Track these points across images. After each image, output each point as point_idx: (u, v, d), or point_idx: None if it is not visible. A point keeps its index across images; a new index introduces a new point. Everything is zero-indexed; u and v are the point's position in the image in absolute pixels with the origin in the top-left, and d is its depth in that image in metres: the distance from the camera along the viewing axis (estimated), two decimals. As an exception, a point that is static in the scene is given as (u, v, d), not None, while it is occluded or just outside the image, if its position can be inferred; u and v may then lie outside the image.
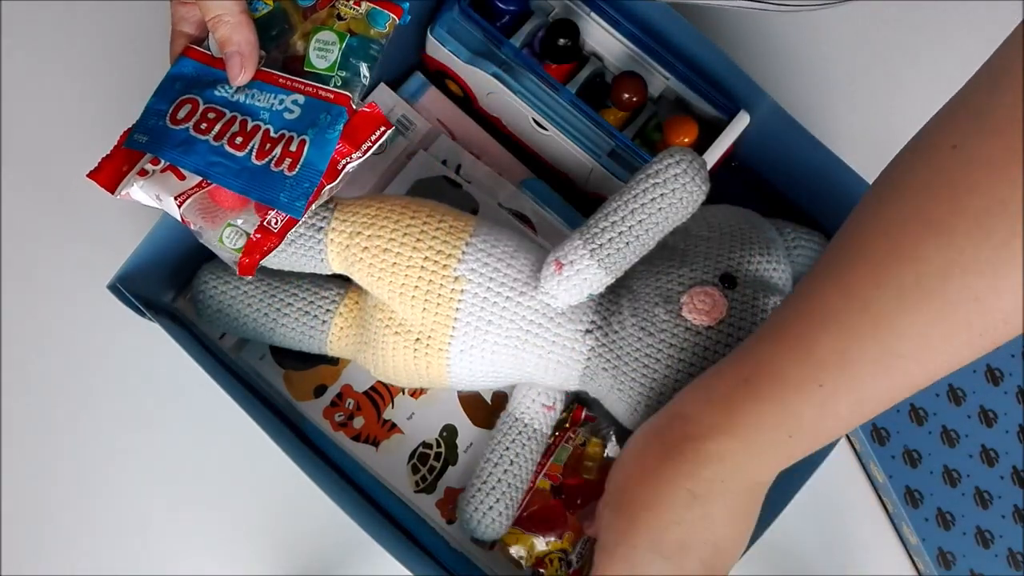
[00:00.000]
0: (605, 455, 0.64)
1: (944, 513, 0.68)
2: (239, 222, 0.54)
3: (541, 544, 0.62)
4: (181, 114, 0.54)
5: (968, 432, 0.69)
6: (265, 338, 0.62)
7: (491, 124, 0.69)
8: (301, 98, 0.54)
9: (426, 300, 0.56)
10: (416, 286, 0.56)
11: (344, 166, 0.54)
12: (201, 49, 0.56)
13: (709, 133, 0.64)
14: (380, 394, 0.64)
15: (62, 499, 0.66)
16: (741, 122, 0.64)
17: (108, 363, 0.68)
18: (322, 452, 0.63)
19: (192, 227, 0.54)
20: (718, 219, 0.59)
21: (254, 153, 0.53)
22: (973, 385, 0.70)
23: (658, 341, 0.54)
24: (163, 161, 0.54)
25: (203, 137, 0.53)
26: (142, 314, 0.58)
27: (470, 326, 0.56)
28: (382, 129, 0.55)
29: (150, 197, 0.54)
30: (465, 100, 0.69)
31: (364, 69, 0.54)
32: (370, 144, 0.55)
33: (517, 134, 0.68)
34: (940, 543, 0.68)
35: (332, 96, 0.54)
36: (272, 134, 0.53)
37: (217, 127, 0.54)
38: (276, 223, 0.53)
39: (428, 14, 0.66)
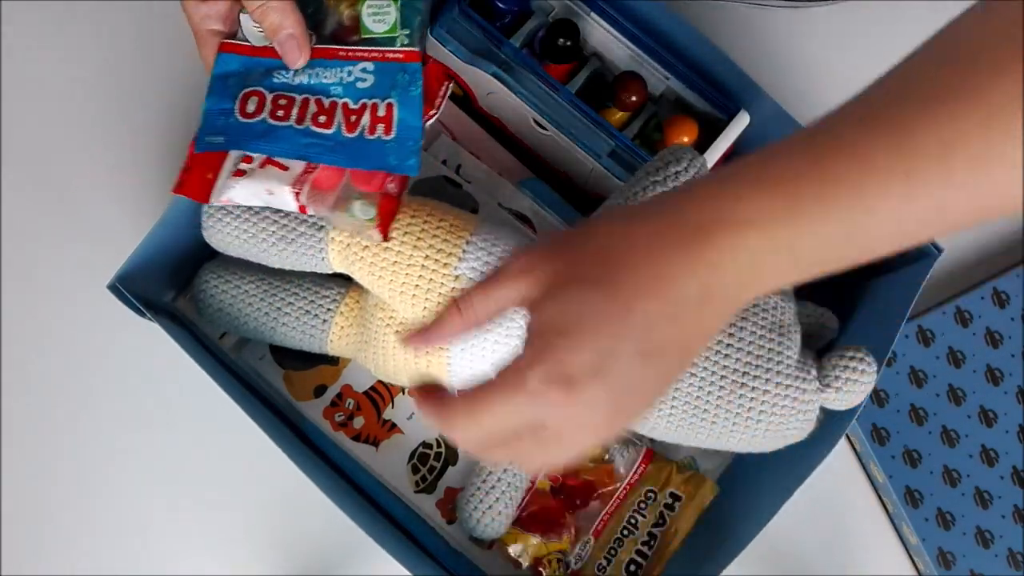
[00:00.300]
0: (605, 456, 0.64)
1: (944, 513, 0.68)
2: (360, 195, 0.54)
3: (540, 544, 0.62)
4: (250, 108, 0.54)
5: (968, 432, 0.69)
6: (266, 337, 0.62)
7: (491, 124, 0.69)
8: (370, 65, 0.54)
9: (427, 299, 0.56)
10: (417, 285, 0.55)
11: (426, 123, 0.55)
12: (238, 42, 0.55)
13: (709, 133, 0.64)
14: (380, 394, 0.64)
15: (62, 499, 0.66)
16: (741, 122, 0.64)
17: (108, 363, 0.68)
18: (322, 452, 0.63)
19: (311, 212, 0.54)
20: None
21: (343, 127, 0.53)
22: (973, 385, 0.70)
23: None
24: (256, 157, 0.53)
25: (284, 124, 0.53)
26: (142, 314, 0.58)
27: None
28: (447, 83, 0.56)
29: (256, 195, 0.53)
30: (465, 100, 0.69)
31: (418, 22, 0.55)
32: (440, 99, 0.56)
33: (517, 134, 0.68)
34: (940, 543, 0.68)
35: (402, 55, 0.54)
36: (352, 106, 0.53)
37: (295, 112, 0.53)
38: (393, 187, 0.54)
39: (428, 14, 0.66)
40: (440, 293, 0.55)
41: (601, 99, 0.67)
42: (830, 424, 0.57)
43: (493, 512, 0.60)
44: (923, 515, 0.68)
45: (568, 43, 0.65)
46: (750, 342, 0.53)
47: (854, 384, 0.54)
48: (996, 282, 0.72)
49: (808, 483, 0.56)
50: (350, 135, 0.53)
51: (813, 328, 0.59)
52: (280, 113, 0.53)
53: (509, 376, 0.42)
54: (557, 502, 0.63)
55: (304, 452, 0.59)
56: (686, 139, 0.64)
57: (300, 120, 0.53)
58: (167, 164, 0.71)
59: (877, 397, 0.70)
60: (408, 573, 0.56)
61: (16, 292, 0.69)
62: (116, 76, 0.73)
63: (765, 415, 0.53)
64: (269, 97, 0.54)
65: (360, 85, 0.54)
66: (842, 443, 0.71)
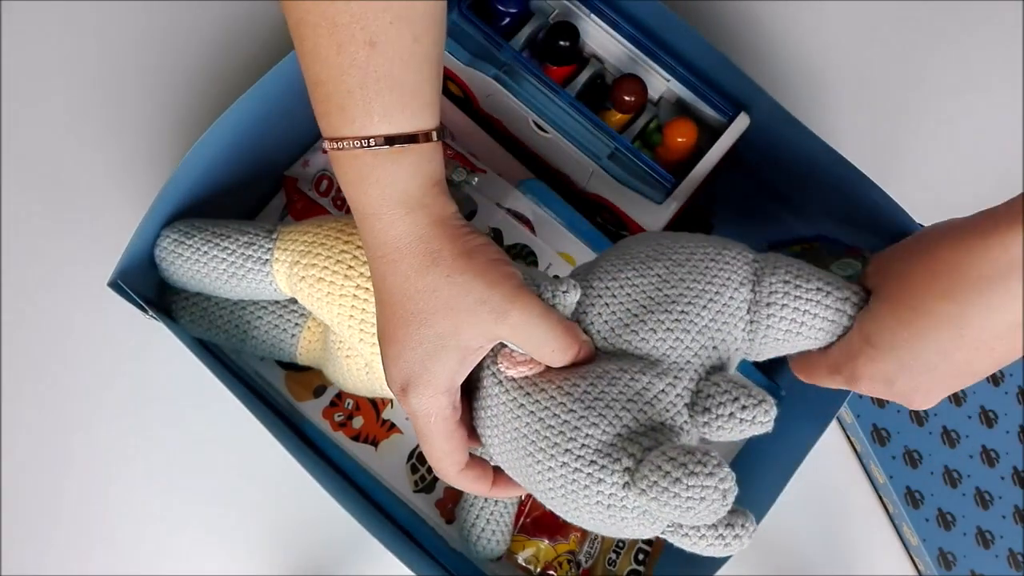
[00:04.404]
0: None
1: (945, 513, 0.68)
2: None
3: (548, 548, 0.62)
4: None
5: (968, 432, 0.69)
6: (238, 349, 0.62)
7: (491, 125, 0.69)
8: None
9: (362, 329, 0.54)
10: (351, 315, 0.54)
11: None
12: None
13: (710, 134, 0.64)
14: (380, 394, 0.65)
15: (61, 498, 0.66)
16: (741, 124, 0.64)
17: (107, 363, 0.68)
18: (322, 452, 0.63)
19: None
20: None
21: None
22: (974, 385, 0.70)
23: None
24: None
25: None
26: (144, 311, 0.58)
27: None
28: None
29: None
30: (465, 101, 0.69)
31: None
32: None
33: (517, 135, 0.68)
34: (940, 543, 0.68)
35: None
36: None
37: None
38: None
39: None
40: (373, 324, 0.53)
41: (601, 101, 0.67)
42: (816, 417, 0.57)
43: (487, 533, 0.59)
44: (923, 515, 0.68)
45: (568, 45, 0.65)
46: (544, 407, 0.45)
47: (671, 498, 0.41)
48: (996, 283, 0.72)
49: (809, 483, 0.56)
50: None
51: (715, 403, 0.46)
52: None
53: None
54: (558, 503, 0.63)
55: (305, 451, 0.59)
56: (686, 140, 0.64)
57: None
58: (168, 162, 0.71)
59: (878, 398, 0.70)
60: (408, 573, 0.56)
61: (16, 291, 0.69)
62: (116, 76, 0.73)
63: (554, 492, 0.45)
64: None
65: None
66: (843, 444, 0.71)
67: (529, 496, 0.63)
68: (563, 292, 0.47)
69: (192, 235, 0.58)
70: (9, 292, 0.69)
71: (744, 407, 0.44)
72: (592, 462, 0.43)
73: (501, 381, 0.47)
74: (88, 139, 0.72)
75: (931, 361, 0.47)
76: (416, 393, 0.47)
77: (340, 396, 0.64)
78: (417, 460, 0.64)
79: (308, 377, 0.64)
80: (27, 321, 0.69)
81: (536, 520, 0.63)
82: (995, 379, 0.70)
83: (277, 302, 0.61)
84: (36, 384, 0.68)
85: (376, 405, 0.64)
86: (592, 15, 0.66)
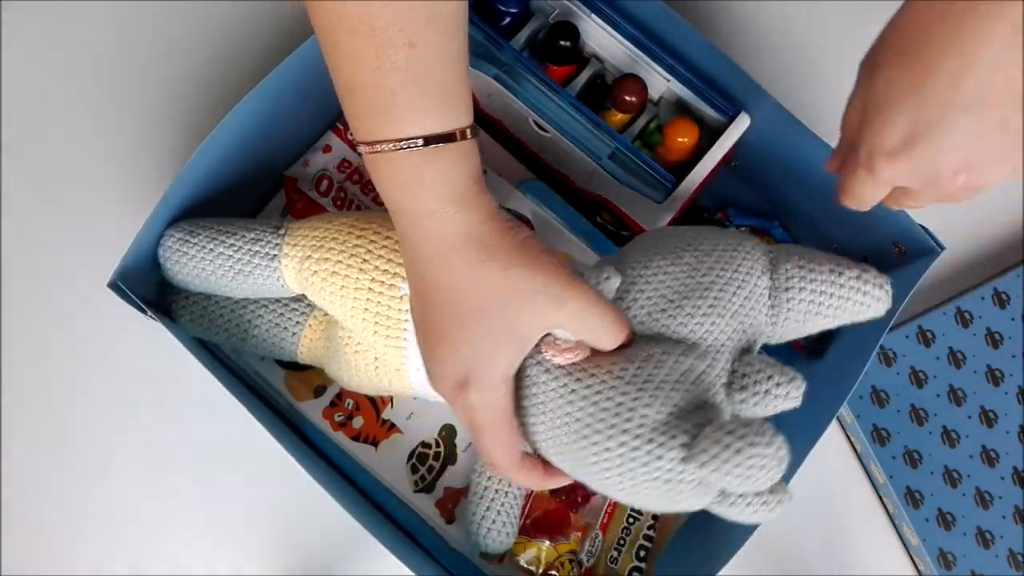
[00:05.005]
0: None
1: (945, 514, 0.68)
2: None
3: (550, 548, 0.62)
4: None
5: (969, 433, 0.69)
6: (238, 348, 0.62)
7: (491, 125, 0.69)
8: None
9: (376, 323, 0.54)
10: (365, 308, 0.54)
11: None
12: None
13: (710, 134, 0.64)
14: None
15: (61, 498, 0.67)
16: (742, 124, 0.64)
17: (107, 363, 0.68)
18: (322, 452, 0.63)
19: None
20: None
21: None
22: (974, 385, 0.70)
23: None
24: None
25: None
26: (143, 311, 0.58)
27: None
28: None
29: None
30: (465, 101, 0.69)
31: None
32: None
33: (517, 135, 0.68)
34: (941, 544, 0.68)
35: None
36: None
37: None
38: None
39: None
40: (388, 316, 0.54)
41: (601, 101, 0.67)
42: (818, 414, 0.57)
43: (497, 526, 0.59)
44: (923, 516, 0.68)
45: (568, 45, 0.65)
46: (597, 391, 0.46)
47: (733, 467, 0.42)
48: (996, 282, 0.72)
49: (809, 483, 0.56)
50: None
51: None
52: None
53: None
54: (559, 503, 0.63)
55: (305, 451, 0.59)
56: (686, 140, 0.64)
57: None
58: (168, 163, 0.71)
59: (878, 397, 0.70)
60: (408, 573, 0.56)
61: (16, 291, 0.69)
62: (116, 76, 0.73)
63: (610, 472, 0.46)
64: None
65: None
66: (843, 443, 0.71)
67: (529, 497, 0.63)
68: (606, 279, 0.49)
69: (197, 233, 0.58)
70: (9, 292, 0.69)
71: (779, 383, 0.47)
72: (650, 440, 0.45)
73: (548, 369, 0.48)
74: (89, 139, 0.72)
75: (977, 87, 0.37)
76: (478, 387, 0.47)
77: (340, 396, 0.64)
78: (417, 460, 0.64)
79: (308, 377, 0.64)
80: (27, 321, 0.69)
81: (536, 521, 0.63)
82: (995, 379, 0.70)
83: (278, 300, 0.61)
84: (36, 384, 0.68)
85: (376, 405, 0.64)
86: (592, 15, 0.66)
